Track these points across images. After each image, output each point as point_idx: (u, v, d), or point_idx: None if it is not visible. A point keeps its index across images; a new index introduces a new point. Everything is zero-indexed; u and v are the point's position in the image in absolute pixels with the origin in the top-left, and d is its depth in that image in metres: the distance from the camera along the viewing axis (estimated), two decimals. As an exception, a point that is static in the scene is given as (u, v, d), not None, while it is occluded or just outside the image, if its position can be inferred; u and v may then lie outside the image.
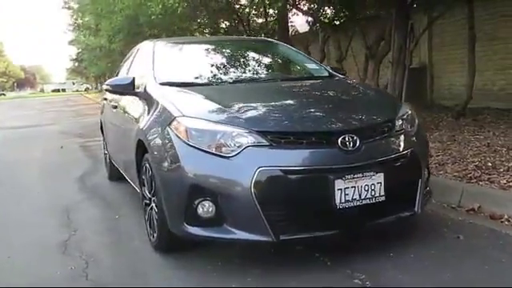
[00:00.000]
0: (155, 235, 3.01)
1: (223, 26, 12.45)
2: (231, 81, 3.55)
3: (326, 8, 10.31)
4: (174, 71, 3.65)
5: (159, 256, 2.99)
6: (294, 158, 2.51)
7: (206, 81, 3.53)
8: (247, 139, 2.53)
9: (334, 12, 10.19)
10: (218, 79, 3.56)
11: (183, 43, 4.33)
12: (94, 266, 2.92)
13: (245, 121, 2.65)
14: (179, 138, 2.67)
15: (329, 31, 10.63)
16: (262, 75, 3.83)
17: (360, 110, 2.93)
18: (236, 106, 2.85)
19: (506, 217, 3.29)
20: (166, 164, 2.74)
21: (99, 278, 2.76)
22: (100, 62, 24.19)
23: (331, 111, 2.85)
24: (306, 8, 10.94)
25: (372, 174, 2.56)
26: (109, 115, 4.77)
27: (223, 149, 2.54)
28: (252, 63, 4.00)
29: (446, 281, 2.42)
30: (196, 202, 2.57)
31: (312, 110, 2.84)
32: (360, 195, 2.53)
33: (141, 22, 10.06)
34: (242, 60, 4.05)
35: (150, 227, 3.15)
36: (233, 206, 2.51)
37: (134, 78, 3.53)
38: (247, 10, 12.16)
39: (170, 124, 2.76)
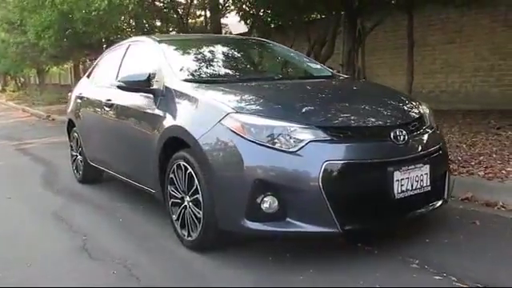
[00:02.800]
0: (194, 234, 2.97)
1: (158, 24, 12.22)
2: (254, 78, 3.58)
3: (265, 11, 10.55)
4: (191, 68, 3.60)
5: (199, 255, 2.94)
6: (354, 152, 2.62)
7: (227, 78, 3.53)
8: (309, 134, 2.60)
9: (274, 14, 10.44)
10: (238, 77, 3.57)
11: (184, 40, 4.26)
12: (137, 268, 2.81)
13: (302, 116, 2.72)
14: (237, 134, 2.66)
15: (268, 33, 10.86)
16: (279, 74, 3.90)
17: (395, 106, 3.12)
18: (281, 103, 2.91)
19: (500, 203, 3.66)
20: (221, 160, 2.72)
21: (152, 280, 2.67)
22: (4, 59, 22.41)
23: (375, 107, 3.00)
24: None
25: (421, 165, 2.76)
26: (94, 115, 4.55)
27: (285, 144, 2.58)
28: (262, 62, 4.05)
29: (492, 259, 2.68)
30: (259, 198, 2.58)
31: (358, 106, 2.98)
32: (412, 185, 2.72)
33: (76, 18, 9.55)
34: (250, 58, 4.08)
35: (183, 227, 3.09)
36: (298, 199, 2.56)
37: (149, 75, 3.43)
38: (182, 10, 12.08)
39: (221, 120, 2.74)
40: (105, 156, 4.40)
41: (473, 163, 4.60)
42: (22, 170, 6.32)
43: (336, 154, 2.57)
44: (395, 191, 2.65)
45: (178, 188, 3.12)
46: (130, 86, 3.49)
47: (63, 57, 14.64)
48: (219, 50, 4.07)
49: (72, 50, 13.03)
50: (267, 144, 2.60)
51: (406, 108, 3.10)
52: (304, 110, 2.81)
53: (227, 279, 2.61)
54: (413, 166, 2.72)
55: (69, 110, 5.39)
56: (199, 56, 3.86)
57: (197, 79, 3.36)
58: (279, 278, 2.57)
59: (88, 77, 5.22)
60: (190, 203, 3.00)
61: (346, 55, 7.81)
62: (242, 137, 2.65)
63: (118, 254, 3.06)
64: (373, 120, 2.82)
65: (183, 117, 3.05)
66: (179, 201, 3.12)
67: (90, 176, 5.10)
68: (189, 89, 3.20)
